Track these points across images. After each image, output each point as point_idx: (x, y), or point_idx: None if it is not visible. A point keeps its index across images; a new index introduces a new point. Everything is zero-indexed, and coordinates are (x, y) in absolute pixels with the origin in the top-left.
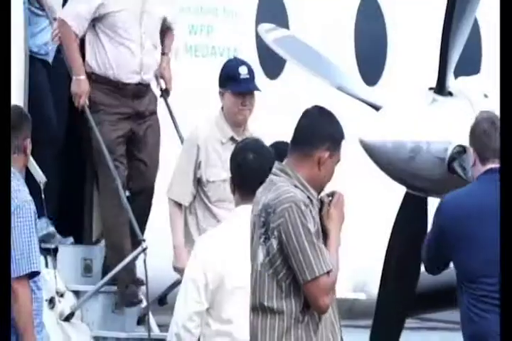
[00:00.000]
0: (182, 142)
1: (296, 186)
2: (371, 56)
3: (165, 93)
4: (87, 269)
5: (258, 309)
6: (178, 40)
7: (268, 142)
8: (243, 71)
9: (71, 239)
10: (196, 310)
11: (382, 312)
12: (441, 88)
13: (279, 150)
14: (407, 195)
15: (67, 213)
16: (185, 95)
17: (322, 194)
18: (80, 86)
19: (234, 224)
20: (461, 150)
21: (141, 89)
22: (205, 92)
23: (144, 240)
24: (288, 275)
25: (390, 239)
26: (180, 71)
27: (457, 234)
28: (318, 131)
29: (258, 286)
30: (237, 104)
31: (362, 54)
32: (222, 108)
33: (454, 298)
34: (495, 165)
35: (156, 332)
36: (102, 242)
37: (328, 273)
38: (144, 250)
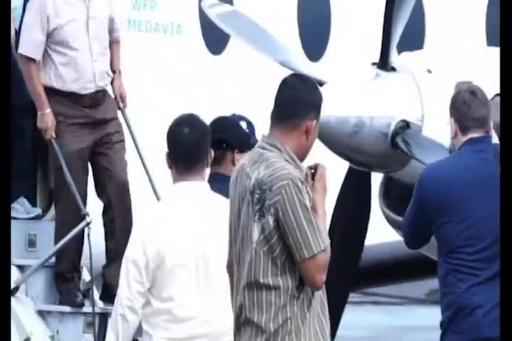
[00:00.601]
0: (140, 155)
1: (287, 161)
2: (314, 32)
3: (123, 110)
4: (31, 244)
5: (253, 286)
6: (121, 14)
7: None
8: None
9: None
10: (139, 290)
11: (325, 287)
12: (384, 63)
13: (222, 125)
14: (350, 170)
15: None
16: (128, 70)
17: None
18: (45, 121)
19: (173, 202)
20: (404, 125)
21: (98, 97)
22: (148, 67)
23: (87, 214)
24: (283, 252)
25: (333, 214)
26: (123, 46)
27: (438, 204)
28: (304, 101)
29: (253, 263)
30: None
31: (305, 30)
32: None
33: (398, 272)
34: (476, 134)
35: (100, 306)
36: (48, 216)
37: (324, 249)
38: (88, 224)
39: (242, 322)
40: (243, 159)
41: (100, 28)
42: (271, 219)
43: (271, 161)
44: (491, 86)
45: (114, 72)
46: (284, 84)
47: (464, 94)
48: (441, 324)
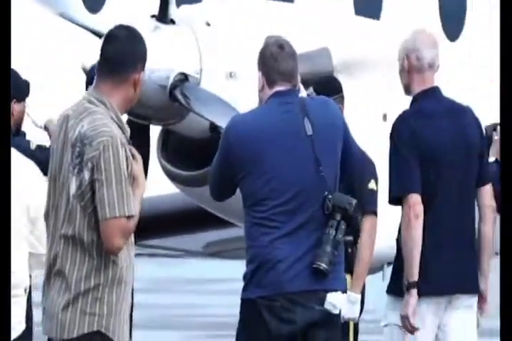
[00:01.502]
0: None
1: (113, 119)
2: None
3: None
4: None
5: (69, 238)
6: None
7: None
8: None
9: None
10: None
11: None
12: (163, 16)
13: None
14: (128, 122)
15: None
16: None
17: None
18: None
19: None
20: (183, 77)
21: None
22: None
23: None
24: (97, 210)
25: None
26: None
27: (244, 156)
28: (131, 54)
29: (70, 216)
30: None
31: None
32: None
33: (175, 225)
34: (282, 87)
35: None
36: None
37: (128, 217)
38: None
39: (53, 273)
40: (68, 109)
41: None
42: (87, 175)
43: (96, 117)
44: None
45: None
46: (110, 37)
47: (271, 48)
48: (244, 276)
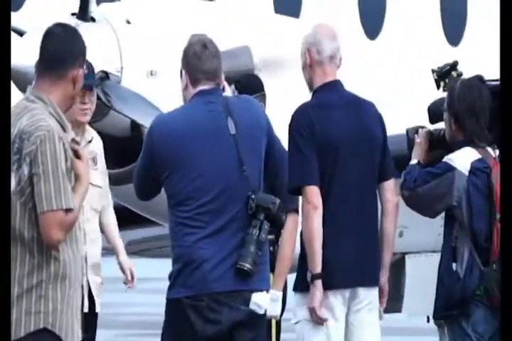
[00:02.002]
0: None
1: (51, 114)
2: None
3: None
4: None
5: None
6: None
7: None
8: None
9: None
10: None
11: None
12: (83, 13)
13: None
14: None
15: None
16: None
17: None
18: None
19: None
20: (104, 76)
21: None
22: None
23: None
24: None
25: None
26: None
27: (168, 156)
28: (70, 50)
29: (12, 213)
30: (77, 103)
31: None
32: None
33: None
34: (206, 86)
35: None
36: None
37: (67, 211)
38: None
39: None
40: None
41: None
42: (26, 170)
43: (34, 112)
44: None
45: None
46: (49, 34)
47: (194, 47)
48: (170, 276)
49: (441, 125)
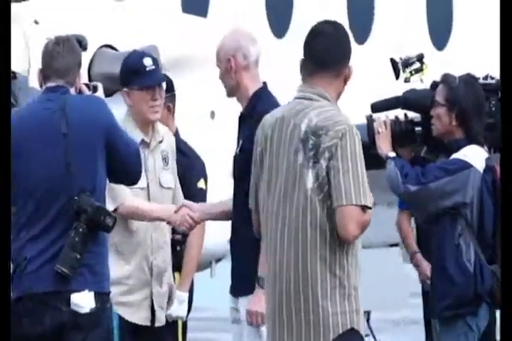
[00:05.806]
0: None
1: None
2: None
3: None
4: None
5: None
6: None
7: None
8: (148, 62)
9: None
10: None
11: None
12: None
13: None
14: None
15: None
16: None
17: None
18: None
19: None
20: (12, 76)
21: None
22: None
23: None
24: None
25: None
26: None
27: (12, 154)
28: (342, 48)
29: (309, 211)
30: (147, 100)
31: None
32: (128, 110)
33: None
34: (52, 83)
35: None
36: None
37: (363, 209)
38: None
39: None
40: (278, 110)
41: None
42: (324, 164)
43: (324, 109)
44: None
45: None
46: (318, 32)
47: (48, 44)
48: (11, 278)
49: (410, 114)
